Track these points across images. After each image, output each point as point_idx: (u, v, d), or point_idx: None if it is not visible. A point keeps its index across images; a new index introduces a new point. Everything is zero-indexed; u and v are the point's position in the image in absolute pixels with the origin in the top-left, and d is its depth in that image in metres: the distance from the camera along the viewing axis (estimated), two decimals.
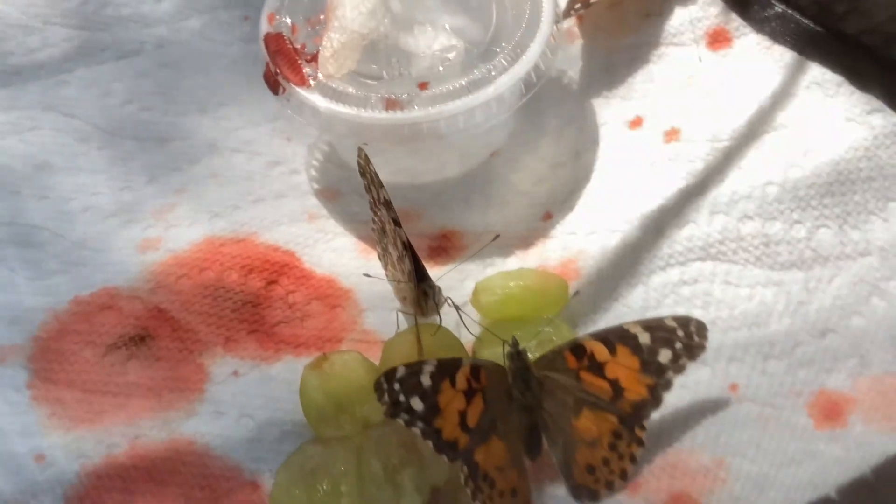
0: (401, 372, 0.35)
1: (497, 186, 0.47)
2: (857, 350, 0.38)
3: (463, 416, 0.36)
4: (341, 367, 0.39)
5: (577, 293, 0.42)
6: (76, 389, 0.40)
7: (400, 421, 0.35)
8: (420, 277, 0.40)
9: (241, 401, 0.40)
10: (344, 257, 0.45)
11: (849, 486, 0.34)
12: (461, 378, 0.36)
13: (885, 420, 0.36)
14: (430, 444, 0.35)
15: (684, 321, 0.36)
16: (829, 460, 0.35)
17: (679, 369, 0.36)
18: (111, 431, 0.39)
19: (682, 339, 0.36)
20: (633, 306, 0.42)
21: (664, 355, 0.36)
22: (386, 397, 0.35)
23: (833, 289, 0.40)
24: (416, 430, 0.35)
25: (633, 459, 0.36)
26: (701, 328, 0.36)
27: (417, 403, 0.35)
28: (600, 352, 0.36)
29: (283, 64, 0.44)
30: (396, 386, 0.35)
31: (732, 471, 0.36)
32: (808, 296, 0.40)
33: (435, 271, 0.42)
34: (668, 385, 0.36)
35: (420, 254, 0.44)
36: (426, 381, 0.35)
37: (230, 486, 0.38)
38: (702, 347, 0.36)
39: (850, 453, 0.35)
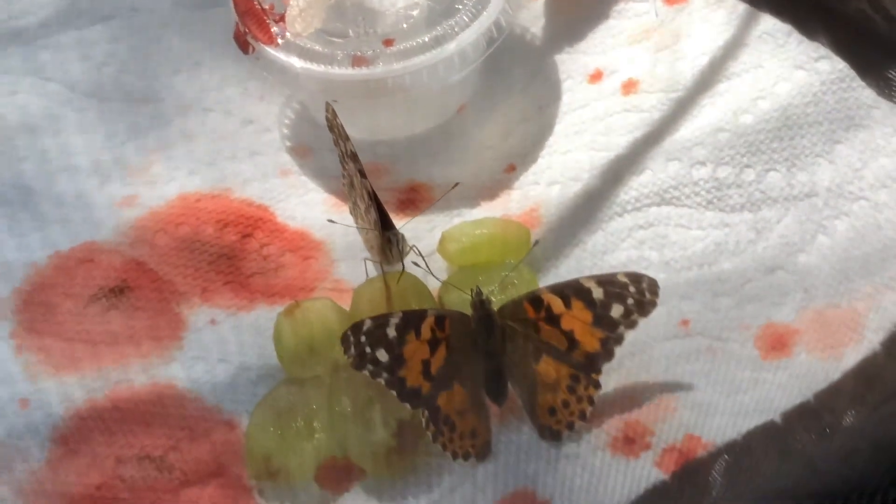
0: (367, 325, 0.36)
1: (463, 140, 0.49)
2: (803, 285, 0.40)
3: (426, 364, 0.37)
4: (313, 313, 0.40)
5: (537, 242, 0.43)
6: (58, 338, 0.41)
7: (365, 372, 0.36)
8: (385, 226, 0.41)
9: (218, 347, 0.42)
10: (316, 211, 0.46)
11: (792, 411, 0.36)
12: (426, 328, 0.37)
13: (828, 349, 0.38)
14: (393, 393, 0.37)
15: (636, 278, 0.37)
16: (774, 388, 0.37)
17: (631, 325, 0.37)
18: (93, 377, 0.40)
19: (634, 295, 0.37)
20: (592, 250, 0.44)
21: (616, 310, 0.37)
22: (352, 350, 0.36)
23: (781, 228, 0.42)
24: (381, 381, 0.36)
25: (590, 401, 0.38)
26: (653, 285, 0.37)
27: (383, 355, 0.36)
28: (556, 304, 0.38)
29: (251, 24, 0.45)
30: (363, 339, 0.36)
31: (682, 400, 0.38)
32: (756, 235, 0.42)
33: (403, 223, 0.44)
34: (619, 340, 0.37)
35: (389, 207, 0.46)
36: (392, 332, 0.37)
37: (208, 426, 0.39)
38: (653, 304, 0.37)
39: (795, 381, 0.37)
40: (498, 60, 0.49)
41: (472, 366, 0.38)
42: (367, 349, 0.36)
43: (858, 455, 0.32)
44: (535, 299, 0.38)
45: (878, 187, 0.41)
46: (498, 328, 0.38)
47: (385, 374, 0.36)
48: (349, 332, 0.36)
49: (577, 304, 0.37)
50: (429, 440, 0.37)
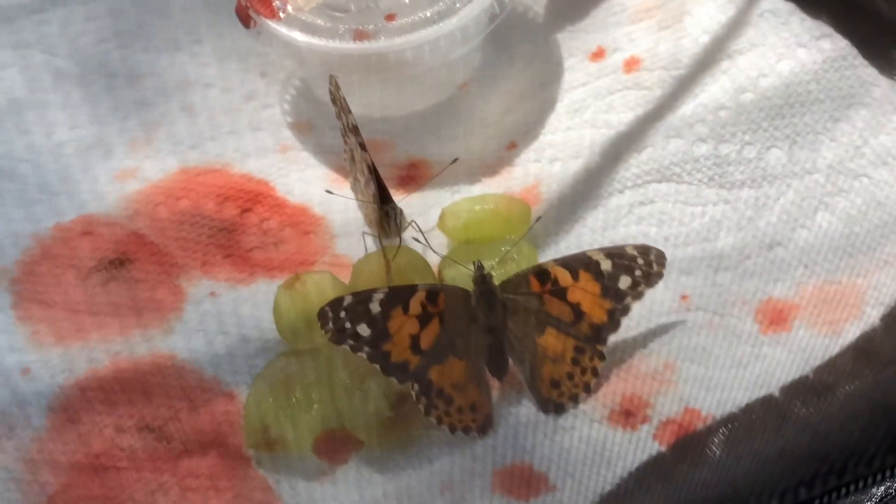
0: (348, 300, 0.36)
1: (465, 117, 0.49)
2: (802, 261, 0.40)
3: (415, 339, 0.37)
4: (313, 285, 0.40)
5: (539, 219, 0.43)
6: (59, 309, 0.41)
7: (345, 347, 0.36)
8: (384, 200, 0.41)
9: (218, 319, 0.42)
10: (316, 187, 0.46)
11: (791, 386, 0.36)
12: (415, 303, 0.37)
13: (827, 324, 0.38)
14: (377, 367, 0.37)
15: (644, 250, 0.37)
16: (773, 362, 0.37)
17: (638, 296, 0.37)
18: (93, 348, 0.40)
19: (642, 266, 0.37)
20: (593, 227, 0.44)
21: (624, 282, 0.37)
22: (330, 324, 0.36)
23: (781, 205, 0.42)
24: (363, 355, 0.36)
25: (595, 373, 0.38)
26: (660, 257, 0.37)
27: (364, 330, 0.36)
28: (563, 277, 0.38)
29: None
30: (342, 314, 0.36)
31: (681, 373, 0.38)
32: (757, 212, 0.42)
33: (403, 198, 0.44)
34: (626, 310, 0.38)
35: (390, 183, 0.46)
36: (375, 307, 0.36)
37: (208, 397, 0.39)
38: (660, 275, 0.37)
39: (794, 355, 0.37)
40: (500, 37, 0.49)
41: (471, 340, 0.38)
42: (347, 324, 0.36)
43: (856, 420, 0.32)
44: (542, 272, 0.38)
45: (878, 164, 0.41)
46: (499, 302, 0.38)
47: (367, 349, 0.36)
48: (327, 308, 0.36)
49: (584, 276, 0.37)
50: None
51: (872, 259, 0.39)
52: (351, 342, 0.36)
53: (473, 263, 0.39)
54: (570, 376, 0.38)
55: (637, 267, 0.37)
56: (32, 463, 0.37)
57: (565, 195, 0.45)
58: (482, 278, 0.38)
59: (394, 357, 0.37)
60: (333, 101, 0.42)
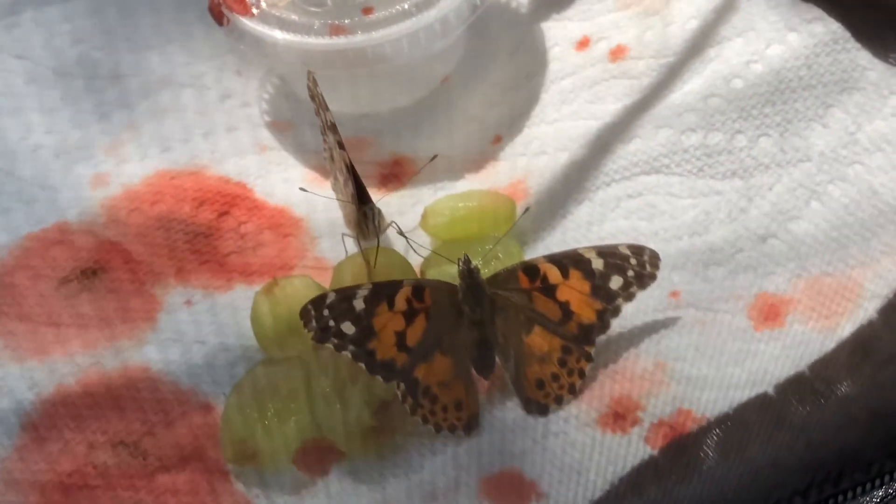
0: (331, 298, 0.35)
1: (448, 112, 0.48)
2: (796, 253, 0.39)
3: (401, 336, 0.36)
4: (291, 290, 0.39)
5: (527, 210, 0.42)
6: (29, 322, 0.40)
7: (329, 346, 0.35)
8: (362, 200, 0.40)
9: (193, 328, 0.41)
10: (295, 187, 0.45)
11: (786, 383, 0.35)
12: (400, 299, 0.36)
13: (822, 319, 0.37)
14: (362, 365, 0.36)
15: (638, 250, 0.37)
16: (768, 359, 0.36)
17: (629, 297, 0.37)
18: (64, 361, 0.39)
19: (635, 267, 0.36)
20: (580, 221, 0.42)
21: (615, 282, 0.36)
22: (313, 323, 0.35)
23: (773, 195, 0.40)
24: (347, 354, 0.36)
25: (581, 375, 0.37)
26: (654, 258, 0.36)
27: (349, 328, 0.35)
28: (553, 274, 0.37)
29: None
30: (326, 312, 0.35)
31: (673, 373, 0.37)
32: (748, 203, 0.40)
33: (383, 196, 0.42)
34: (616, 312, 0.37)
35: (372, 181, 0.45)
36: (359, 304, 0.36)
37: (184, 410, 0.38)
38: (653, 277, 0.36)
39: (788, 352, 0.36)
40: (482, 28, 0.47)
41: (456, 337, 0.37)
42: (331, 322, 0.35)
43: (855, 426, 0.31)
44: (531, 268, 0.37)
45: (872, 151, 0.40)
46: (487, 298, 0.37)
47: (351, 347, 0.36)
48: (309, 306, 0.35)
49: (575, 275, 0.37)
50: (409, 417, 0.36)
51: (868, 249, 0.38)
52: (335, 340, 0.35)
53: (459, 259, 0.38)
54: (556, 377, 0.37)
55: (630, 267, 0.36)
56: (5, 482, 0.36)
57: (552, 189, 0.44)
58: (469, 272, 0.38)
59: (379, 355, 0.36)
60: (312, 97, 0.41)
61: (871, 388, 0.33)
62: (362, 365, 0.36)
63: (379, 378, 0.36)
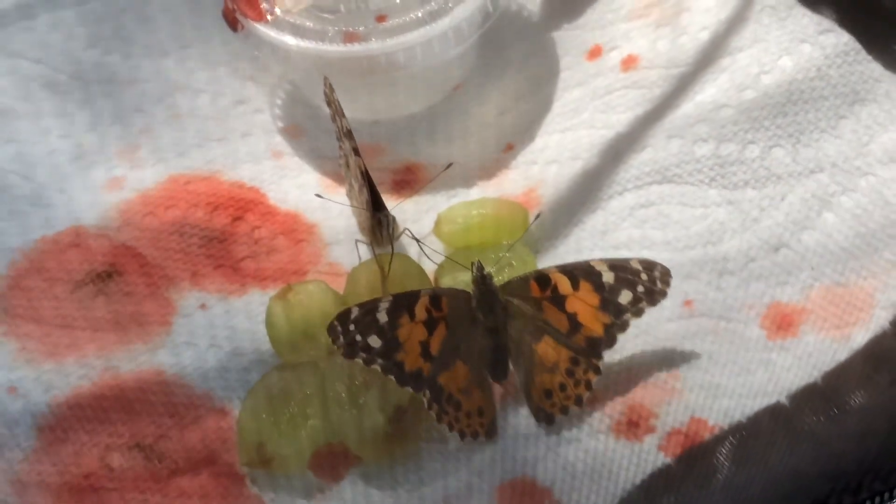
0: (355, 312, 0.35)
1: (460, 120, 0.48)
2: (809, 263, 0.39)
3: (425, 345, 0.36)
4: (306, 296, 0.40)
5: (538, 216, 0.42)
6: (45, 325, 0.40)
7: (358, 360, 0.35)
8: (376, 207, 0.40)
9: (208, 332, 0.41)
10: (308, 193, 0.45)
11: (799, 392, 0.35)
12: (420, 309, 0.36)
13: (835, 329, 0.37)
14: (392, 378, 0.36)
15: (650, 265, 0.36)
16: (781, 368, 0.36)
17: (637, 312, 0.36)
18: (80, 364, 0.39)
19: (645, 282, 0.36)
20: (592, 230, 0.43)
21: (625, 296, 0.36)
22: (341, 339, 0.35)
23: (785, 205, 0.41)
24: (377, 367, 0.35)
25: (588, 386, 0.37)
26: (665, 274, 0.36)
27: (375, 341, 0.35)
28: (563, 285, 0.37)
29: (240, 0, 0.44)
30: (352, 327, 0.35)
31: (686, 382, 0.37)
32: (761, 213, 0.41)
33: (397, 203, 0.43)
34: (623, 327, 0.36)
35: (384, 187, 0.45)
36: (383, 317, 0.36)
37: (199, 414, 0.38)
38: (663, 294, 0.36)
39: (801, 361, 0.36)
40: (494, 37, 0.48)
41: (473, 343, 0.37)
42: (358, 337, 0.35)
43: (874, 436, 0.31)
44: (542, 277, 0.37)
45: (885, 162, 0.40)
46: (500, 304, 0.37)
47: (380, 360, 0.36)
48: (336, 322, 0.35)
49: (585, 286, 0.36)
50: (428, 424, 0.37)
51: (881, 260, 0.38)
52: (363, 355, 0.35)
53: (472, 265, 0.38)
54: (563, 387, 0.37)
55: (640, 282, 0.36)
56: (21, 485, 0.36)
57: (564, 198, 0.44)
58: (482, 279, 0.38)
59: (408, 366, 0.36)
60: (328, 103, 0.41)
61: (888, 398, 0.33)
62: (392, 377, 0.36)
63: (395, 384, 0.36)
